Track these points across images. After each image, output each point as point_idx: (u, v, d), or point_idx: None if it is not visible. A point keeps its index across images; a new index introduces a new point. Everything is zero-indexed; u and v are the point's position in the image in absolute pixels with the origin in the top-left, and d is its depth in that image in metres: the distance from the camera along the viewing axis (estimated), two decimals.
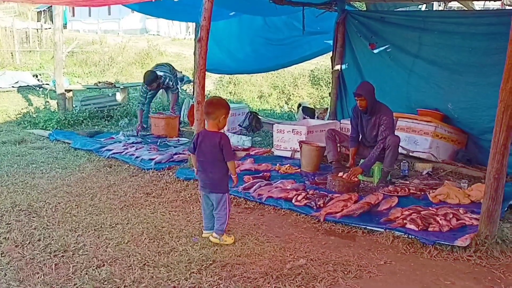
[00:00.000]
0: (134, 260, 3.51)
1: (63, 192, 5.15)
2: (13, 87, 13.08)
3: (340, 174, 5.41)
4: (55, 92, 9.82)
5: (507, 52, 3.60)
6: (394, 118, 5.60)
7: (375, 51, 7.90)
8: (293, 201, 4.78)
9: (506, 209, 4.50)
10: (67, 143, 7.55)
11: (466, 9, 8.54)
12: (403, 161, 6.12)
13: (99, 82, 11.33)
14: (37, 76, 14.58)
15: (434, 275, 3.42)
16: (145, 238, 3.92)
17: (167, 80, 8.35)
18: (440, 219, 4.16)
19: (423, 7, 11.22)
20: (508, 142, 3.64)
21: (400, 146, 5.80)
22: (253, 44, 9.95)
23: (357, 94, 5.49)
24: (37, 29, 19.77)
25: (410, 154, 6.49)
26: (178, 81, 9.12)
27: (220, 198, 3.89)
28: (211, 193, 3.92)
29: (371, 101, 5.47)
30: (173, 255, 3.61)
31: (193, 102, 9.15)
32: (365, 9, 8.91)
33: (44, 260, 3.51)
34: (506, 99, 3.60)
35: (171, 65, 8.86)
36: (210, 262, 3.49)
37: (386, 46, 7.67)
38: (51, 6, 10.24)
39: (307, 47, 9.76)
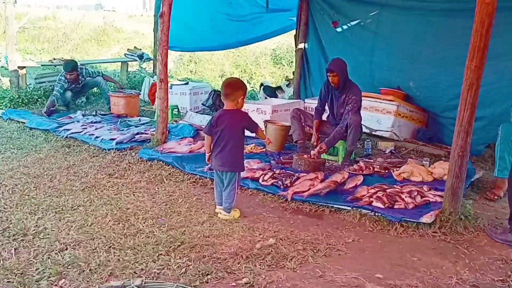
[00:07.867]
0: (99, 243, 3.39)
1: (20, 173, 4.93)
2: None
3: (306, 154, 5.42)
4: (7, 69, 9.38)
5: (473, 30, 3.61)
6: (362, 98, 5.59)
7: (338, 29, 7.91)
8: (260, 180, 4.76)
9: (467, 186, 4.62)
10: (22, 122, 7.25)
11: None
12: (367, 140, 6.19)
13: (54, 59, 10.81)
14: None
15: (401, 252, 3.47)
16: (109, 220, 3.79)
17: (84, 70, 8.32)
18: (405, 197, 4.23)
19: None
20: (472, 120, 3.70)
21: (363, 125, 5.83)
22: (212, 19, 9.69)
23: (330, 70, 5.45)
24: None
25: (373, 133, 6.57)
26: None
27: (232, 177, 3.94)
28: (227, 172, 3.95)
29: (343, 78, 5.45)
30: (139, 237, 3.50)
31: (153, 80, 8.94)
32: None
33: (2, 244, 3.34)
34: (470, 77, 3.63)
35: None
36: (178, 244, 3.40)
37: (350, 23, 7.68)
38: None
39: (269, 24, 9.62)
